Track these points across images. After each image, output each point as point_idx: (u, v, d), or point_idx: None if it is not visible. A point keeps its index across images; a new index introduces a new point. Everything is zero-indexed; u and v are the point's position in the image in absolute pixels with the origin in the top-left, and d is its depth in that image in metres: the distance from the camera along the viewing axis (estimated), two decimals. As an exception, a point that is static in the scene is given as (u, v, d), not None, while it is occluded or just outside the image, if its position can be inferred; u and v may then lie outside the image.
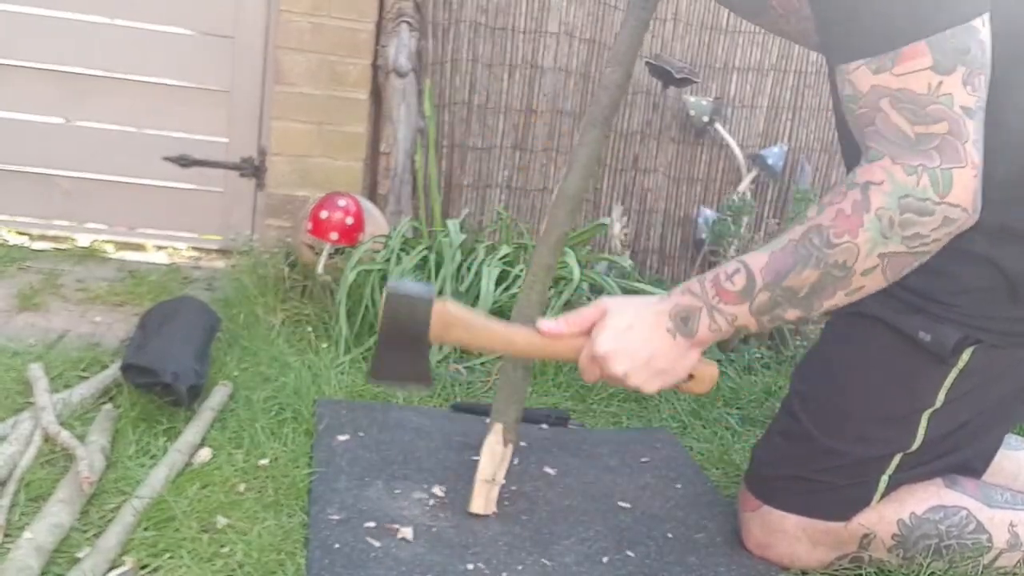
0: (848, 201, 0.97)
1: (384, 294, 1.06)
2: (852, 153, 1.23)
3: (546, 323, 1.08)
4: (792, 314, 1.02)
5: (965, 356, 1.11)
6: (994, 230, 1.07)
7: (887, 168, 0.95)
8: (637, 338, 1.04)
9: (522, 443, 1.46)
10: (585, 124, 1.36)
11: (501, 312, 1.89)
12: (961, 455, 1.21)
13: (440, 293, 1.86)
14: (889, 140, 0.95)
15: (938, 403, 1.14)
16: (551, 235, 1.34)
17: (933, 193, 0.94)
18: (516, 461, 1.42)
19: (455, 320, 1.06)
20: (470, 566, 1.12)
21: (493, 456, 1.25)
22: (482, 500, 1.25)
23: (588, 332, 1.07)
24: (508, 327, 1.11)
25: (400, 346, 1.07)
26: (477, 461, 1.27)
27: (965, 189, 0.94)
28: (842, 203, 0.97)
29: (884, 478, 1.17)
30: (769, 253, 1.02)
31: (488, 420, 1.30)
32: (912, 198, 0.94)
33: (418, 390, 1.08)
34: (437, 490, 1.31)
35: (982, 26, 0.94)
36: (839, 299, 1.01)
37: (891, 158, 0.95)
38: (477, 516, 1.25)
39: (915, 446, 1.16)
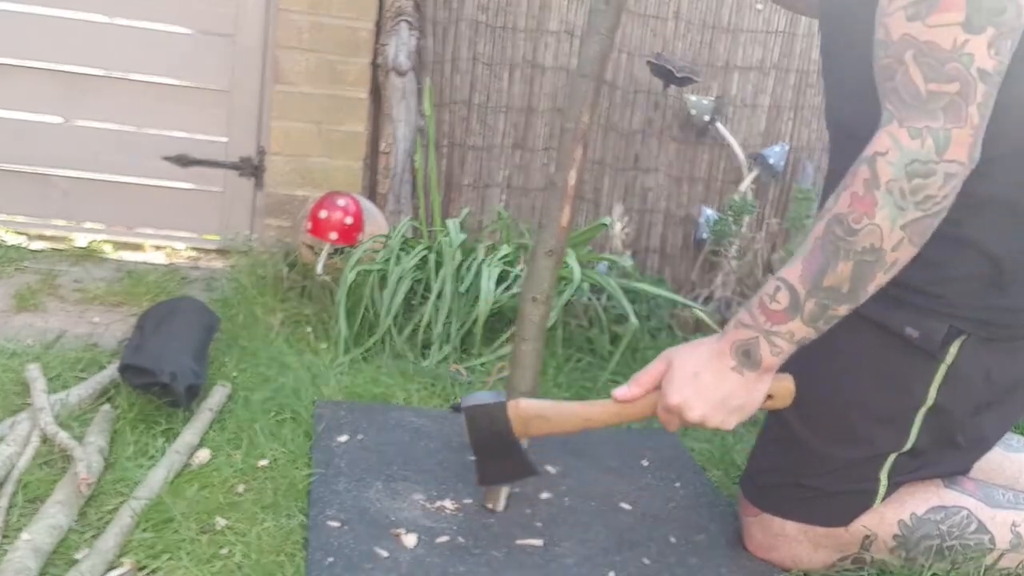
0: (859, 181, 0.97)
1: (463, 412, 1.14)
2: (836, 155, 1.23)
3: (619, 391, 1.11)
4: (844, 310, 1.02)
5: (953, 350, 1.11)
6: (994, 215, 1.07)
7: (893, 133, 0.96)
8: (708, 383, 1.06)
9: (523, 444, 1.45)
10: (591, 101, 1.29)
11: (501, 312, 1.88)
12: (959, 454, 1.20)
13: (440, 294, 1.86)
14: (901, 99, 0.96)
15: (930, 400, 1.13)
16: (571, 226, 1.33)
17: (935, 154, 0.95)
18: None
19: (531, 415, 1.14)
20: (470, 567, 1.12)
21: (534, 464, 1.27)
22: (504, 498, 1.28)
23: (658, 386, 1.09)
24: (582, 406, 1.15)
25: (494, 452, 1.15)
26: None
27: (960, 145, 0.95)
28: (854, 185, 0.98)
29: (883, 480, 1.17)
30: (801, 260, 1.02)
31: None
32: (918, 162, 0.95)
33: (528, 477, 1.22)
34: (436, 491, 1.30)
35: None
36: (880, 279, 1.00)
37: (898, 121, 0.96)
38: (477, 517, 1.24)
39: (908, 445, 1.15)
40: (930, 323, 1.10)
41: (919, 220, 0.97)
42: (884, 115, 0.99)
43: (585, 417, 1.13)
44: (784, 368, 1.28)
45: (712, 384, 1.06)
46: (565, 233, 1.29)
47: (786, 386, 1.11)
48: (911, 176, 0.95)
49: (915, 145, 0.95)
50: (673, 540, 1.26)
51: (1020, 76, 1.02)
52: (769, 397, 1.10)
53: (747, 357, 1.05)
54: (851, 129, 1.11)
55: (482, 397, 1.16)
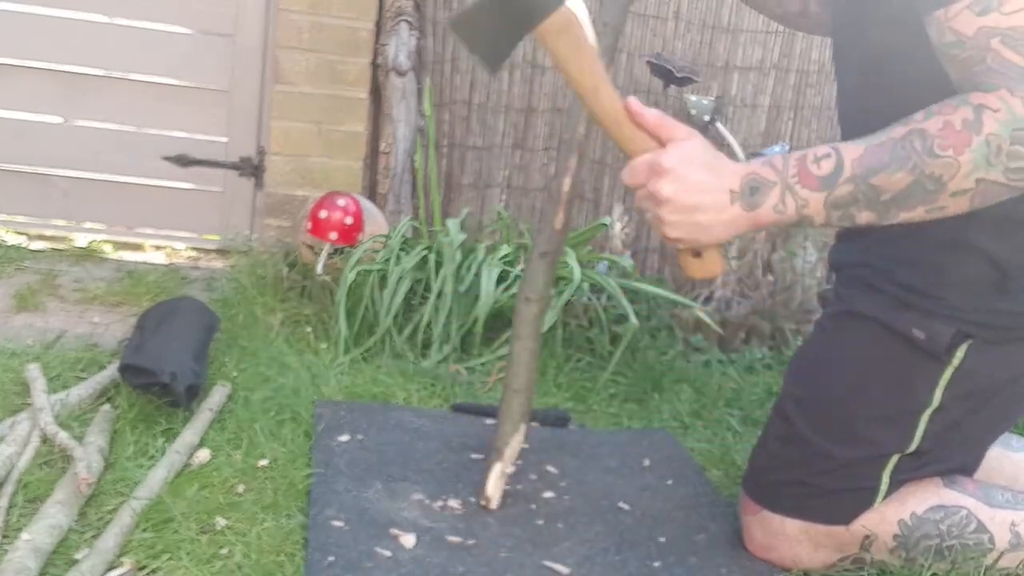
0: (958, 116, 0.94)
1: None
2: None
3: (636, 101, 1.00)
4: (865, 216, 0.98)
5: (960, 353, 1.11)
6: (994, 218, 1.06)
7: (1004, 98, 0.93)
8: (702, 178, 0.97)
9: (523, 444, 1.45)
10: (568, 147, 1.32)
11: (502, 312, 1.89)
12: (959, 456, 1.20)
13: (440, 294, 1.86)
14: (1005, 74, 0.93)
15: (935, 402, 1.13)
16: (567, 230, 1.34)
17: None
18: (526, 460, 1.42)
19: (575, 29, 0.97)
20: (470, 567, 1.12)
21: (515, 452, 1.28)
22: (500, 490, 1.27)
23: (663, 142, 1.00)
24: (606, 77, 1.00)
25: (503, 14, 0.98)
26: (477, 461, 1.27)
27: None
28: (952, 116, 0.94)
29: (885, 479, 1.17)
30: (865, 146, 0.97)
31: (496, 420, 1.30)
32: None
33: (482, 66, 1.03)
34: (436, 491, 1.30)
35: None
36: (918, 214, 0.97)
37: (1009, 90, 0.93)
38: (477, 517, 1.24)
39: (913, 447, 1.15)
40: (937, 326, 1.10)
41: (996, 184, 0.94)
42: (984, 85, 0.94)
43: (596, 85, 0.99)
44: (789, 367, 1.28)
45: (704, 184, 0.97)
46: (559, 236, 1.30)
47: (716, 261, 1.03)
48: (1015, 141, 0.92)
49: None
50: (673, 540, 1.26)
51: None
52: (699, 255, 1.03)
53: (751, 193, 0.98)
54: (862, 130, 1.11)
55: None
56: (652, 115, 1.00)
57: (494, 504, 1.27)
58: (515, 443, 1.26)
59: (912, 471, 1.17)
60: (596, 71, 0.99)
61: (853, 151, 0.97)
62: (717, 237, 1.00)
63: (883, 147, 0.95)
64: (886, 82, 1.12)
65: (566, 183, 1.27)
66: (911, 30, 1.02)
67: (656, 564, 1.19)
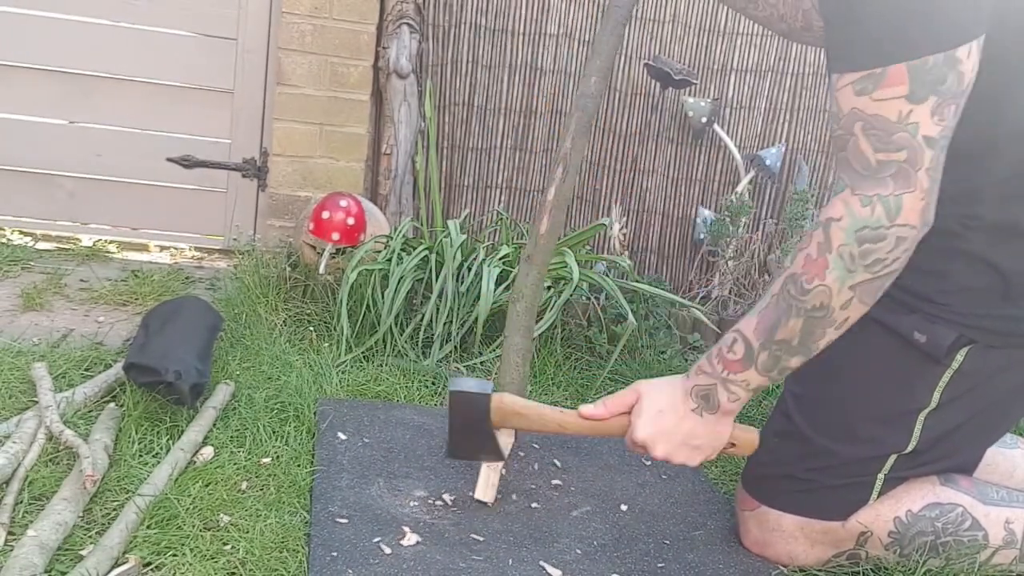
0: (813, 244, 1.03)
1: (449, 392, 1.20)
2: None
3: (586, 408, 1.17)
4: (795, 362, 1.08)
5: (960, 357, 1.12)
6: (994, 227, 1.08)
7: (846, 201, 1.00)
8: (670, 422, 1.13)
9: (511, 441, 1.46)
10: (575, 131, 1.39)
11: (501, 312, 1.90)
12: (957, 456, 1.21)
13: (441, 294, 1.88)
14: (853, 169, 1.01)
15: (933, 404, 1.14)
16: (554, 235, 1.39)
17: (886, 220, 0.99)
18: (522, 455, 1.43)
19: (511, 411, 1.20)
20: (471, 563, 1.13)
21: (504, 447, 1.28)
22: (492, 489, 1.28)
23: (628, 412, 1.16)
24: (559, 413, 1.20)
25: (469, 432, 1.21)
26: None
27: (912, 210, 0.99)
28: (809, 247, 1.03)
29: (880, 477, 1.18)
30: (758, 314, 1.08)
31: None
32: (868, 228, 0.99)
33: (492, 462, 1.28)
34: (437, 488, 1.31)
35: (966, 56, 0.97)
36: (831, 335, 1.06)
37: (851, 189, 1.01)
38: (478, 514, 1.26)
39: (911, 447, 1.17)
40: (939, 329, 1.12)
41: (868, 282, 1.02)
42: (838, 184, 1.03)
43: (559, 423, 1.19)
44: None
45: (674, 424, 1.12)
46: (543, 241, 1.38)
47: (750, 439, 1.18)
48: (861, 241, 0.99)
49: (866, 212, 0.99)
50: (671, 536, 1.27)
51: (1016, 102, 1.05)
52: (732, 444, 1.17)
53: (706, 401, 1.12)
54: None
55: (471, 384, 1.21)
56: (601, 411, 1.17)
57: (490, 499, 1.28)
58: (502, 441, 1.26)
59: (908, 470, 1.19)
60: (548, 417, 1.20)
61: (750, 325, 1.09)
62: (719, 439, 1.15)
63: (769, 307, 1.07)
64: None
65: (550, 192, 1.38)
66: None
67: (654, 560, 1.20)
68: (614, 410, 1.16)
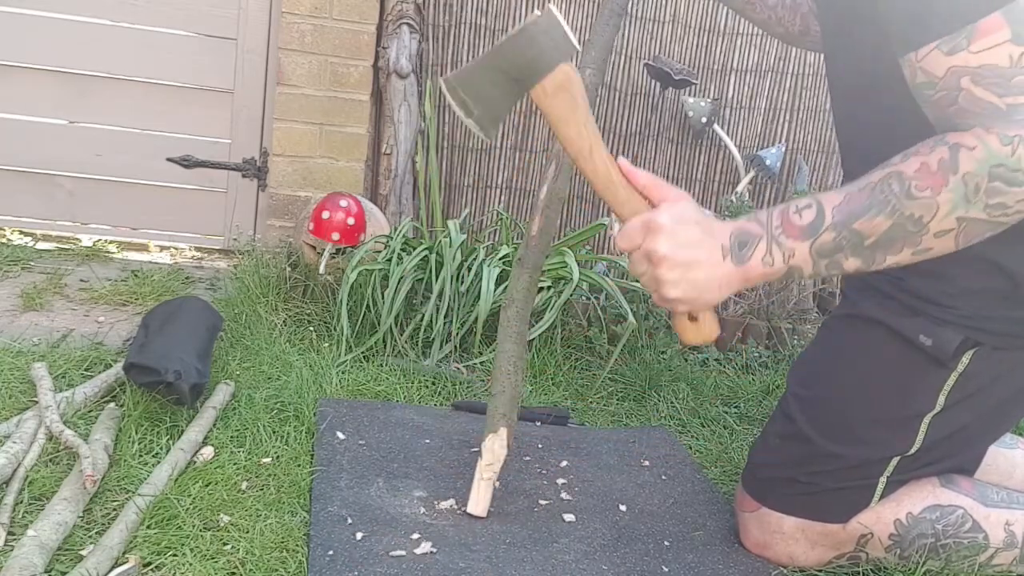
0: (935, 157, 0.93)
1: (533, 19, 0.96)
2: (851, 161, 1.25)
3: (627, 162, 1.01)
4: (852, 264, 0.98)
5: (965, 359, 1.12)
6: (1007, 230, 1.08)
7: (980, 136, 0.92)
8: (695, 235, 0.98)
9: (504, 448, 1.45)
10: None
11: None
12: (958, 458, 1.21)
13: (441, 294, 1.88)
14: (978, 113, 0.93)
15: (938, 407, 1.14)
16: (546, 236, 1.38)
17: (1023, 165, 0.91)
18: (526, 458, 1.43)
19: (571, 89, 0.97)
20: (471, 563, 1.13)
21: (497, 459, 1.25)
22: (484, 502, 1.25)
23: (654, 203, 1.01)
24: (599, 136, 1.00)
25: (500, 73, 0.98)
26: (478, 459, 1.28)
27: None
28: (928, 157, 0.94)
29: (883, 480, 1.18)
30: (845, 194, 0.97)
31: (487, 421, 1.31)
32: (1004, 168, 0.91)
33: (476, 129, 1.02)
34: (437, 488, 1.31)
35: None
36: (904, 256, 0.97)
37: (984, 128, 0.92)
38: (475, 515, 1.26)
39: (914, 449, 1.16)
40: (944, 332, 1.10)
41: (978, 222, 0.94)
42: (959, 128, 0.95)
43: (590, 148, 1.00)
44: (794, 366, 1.29)
45: (697, 241, 0.98)
46: (535, 242, 1.34)
47: (712, 326, 1.03)
48: (993, 178, 0.92)
49: (1005, 151, 0.91)
50: (671, 536, 1.27)
51: None
52: (694, 319, 1.03)
53: (740, 248, 0.99)
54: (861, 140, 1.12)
55: (562, 34, 0.96)
56: (644, 175, 1.01)
57: (481, 512, 1.24)
58: (493, 446, 1.24)
59: (911, 472, 1.18)
60: (590, 131, 0.99)
61: (833, 199, 0.97)
62: (713, 296, 0.99)
63: (862, 192, 0.96)
64: (874, 107, 1.13)
65: (543, 191, 1.33)
66: (892, 62, 1.02)
67: (654, 560, 1.20)
68: (651, 187, 1.00)
